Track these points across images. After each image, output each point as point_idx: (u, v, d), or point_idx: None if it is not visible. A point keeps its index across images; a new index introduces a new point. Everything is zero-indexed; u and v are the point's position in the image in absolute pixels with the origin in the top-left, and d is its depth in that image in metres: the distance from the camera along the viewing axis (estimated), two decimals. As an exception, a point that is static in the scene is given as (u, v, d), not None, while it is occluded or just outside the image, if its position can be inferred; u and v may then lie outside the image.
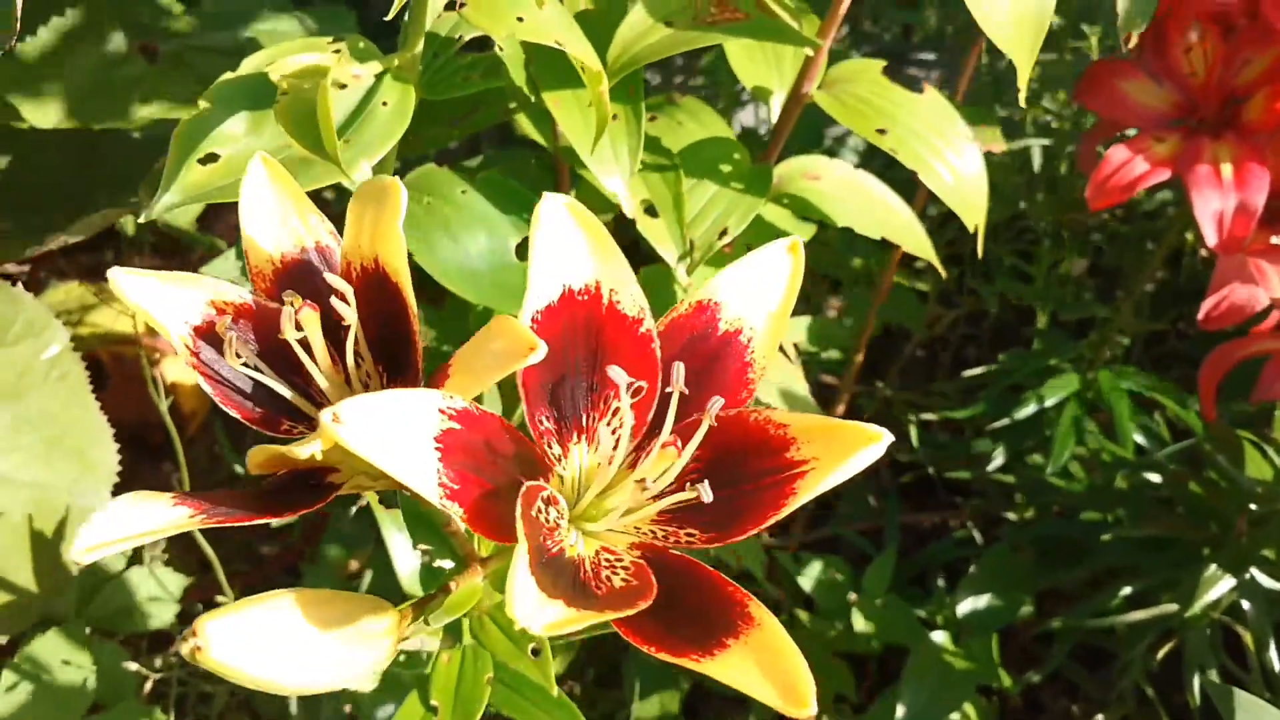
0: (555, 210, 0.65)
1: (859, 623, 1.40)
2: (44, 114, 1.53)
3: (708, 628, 0.57)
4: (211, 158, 0.80)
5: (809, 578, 1.45)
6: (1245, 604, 1.24)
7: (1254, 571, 1.23)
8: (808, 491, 0.59)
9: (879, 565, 1.44)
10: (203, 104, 0.82)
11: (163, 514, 0.59)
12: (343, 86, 0.82)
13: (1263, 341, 1.21)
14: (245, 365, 0.66)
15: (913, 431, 1.66)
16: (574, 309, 0.65)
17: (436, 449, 0.57)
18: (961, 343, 1.88)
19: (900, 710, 1.30)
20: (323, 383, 0.67)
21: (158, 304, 0.66)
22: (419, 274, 0.94)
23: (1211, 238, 1.19)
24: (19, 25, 0.83)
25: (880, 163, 1.59)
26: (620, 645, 1.57)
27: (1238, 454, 1.25)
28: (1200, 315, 1.27)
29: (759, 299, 0.68)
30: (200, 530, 1.44)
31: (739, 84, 1.13)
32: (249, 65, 0.83)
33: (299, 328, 0.66)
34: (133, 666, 1.29)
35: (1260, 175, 1.18)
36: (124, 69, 1.60)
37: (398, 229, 0.64)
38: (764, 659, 0.55)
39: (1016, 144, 1.69)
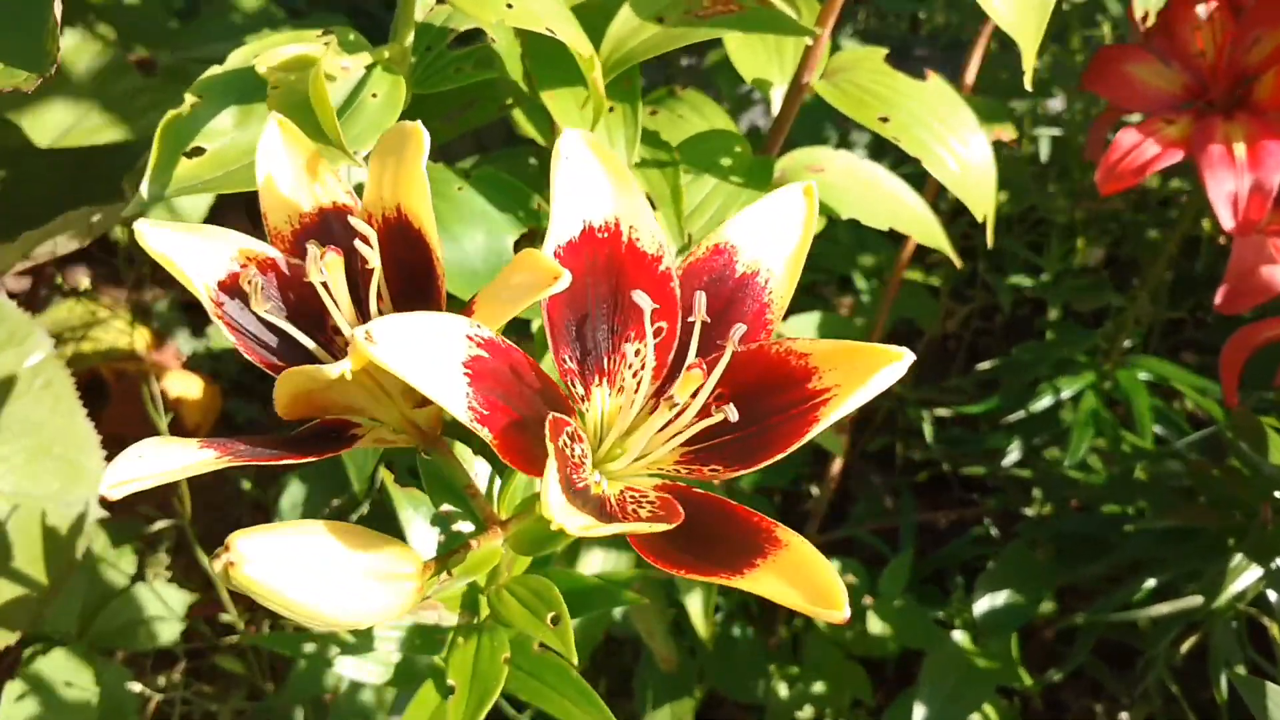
0: (576, 145, 0.64)
1: (875, 625, 1.37)
2: (43, 131, 1.53)
3: (736, 551, 0.58)
4: (197, 151, 0.79)
5: (823, 579, 1.42)
6: (1272, 594, 1.21)
7: (1280, 561, 1.20)
8: (829, 417, 0.59)
9: (895, 566, 1.41)
10: (189, 99, 0.80)
11: (189, 454, 0.59)
12: (331, 79, 0.80)
13: (1283, 325, 1.18)
14: (269, 313, 0.66)
15: (927, 428, 1.64)
16: (595, 246, 0.65)
17: (466, 373, 0.57)
18: (975, 338, 1.85)
19: (918, 712, 1.28)
20: (347, 331, 0.67)
21: (184, 255, 0.66)
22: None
23: (1227, 220, 1.16)
24: (57, 60, 0.82)
25: (893, 159, 1.56)
26: (632, 654, 1.55)
27: (1261, 440, 1.22)
28: (1217, 300, 1.24)
29: (775, 242, 0.68)
30: (203, 551, 1.40)
31: (744, 84, 1.10)
32: (236, 59, 0.82)
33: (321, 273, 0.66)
34: (136, 687, 1.27)
35: (1275, 153, 1.15)
36: (122, 83, 1.59)
37: (421, 173, 0.64)
38: (794, 573, 0.56)
39: (1030, 135, 1.67)
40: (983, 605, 1.38)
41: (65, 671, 1.26)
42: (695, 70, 1.88)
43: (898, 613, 1.38)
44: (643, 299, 0.63)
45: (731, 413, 0.61)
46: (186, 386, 1.66)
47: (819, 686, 1.42)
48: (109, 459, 1.28)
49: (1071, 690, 1.52)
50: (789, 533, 0.58)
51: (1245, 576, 1.21)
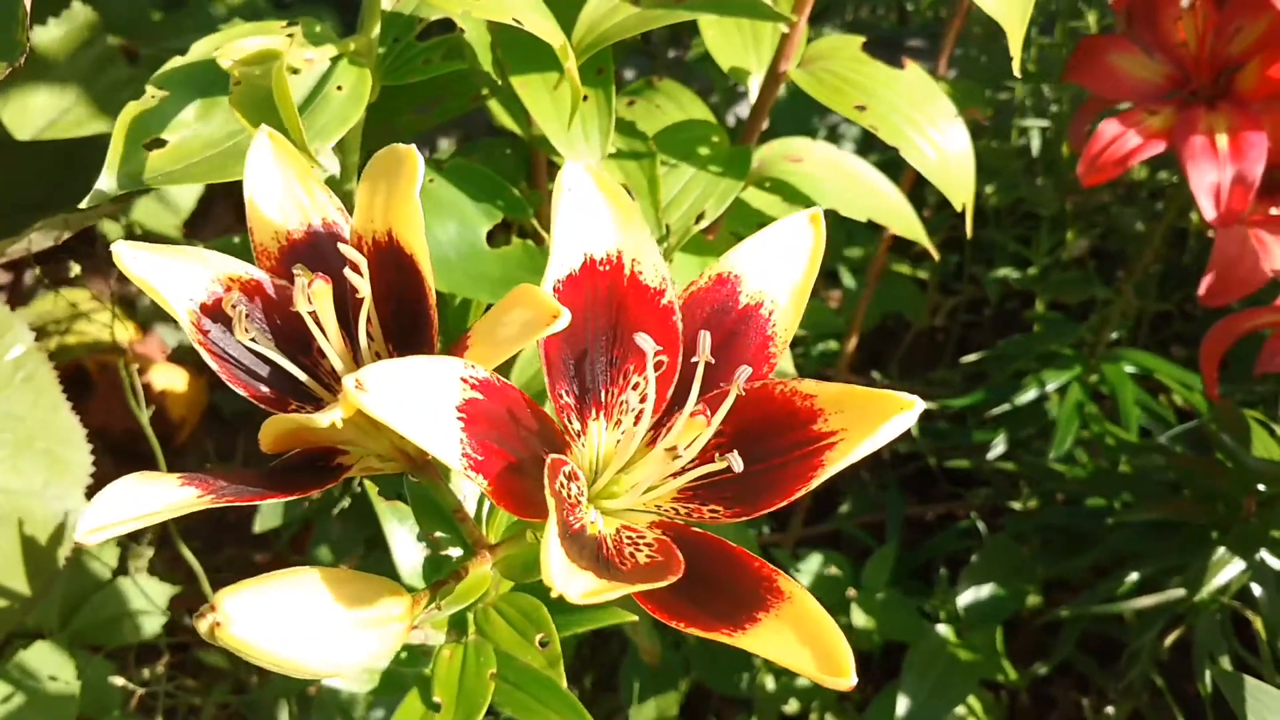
0: (578, 176, 0.63)
1: (859, 618, 1.37)
2: (24, 123, 1.52)
3: (737, 603, 0.56)
4: (159, 143, 0.78)
5: (807, 573, 1.42)
6: (1256, 588, 1.21)
7: (1264, 554, 1.20)
8: (837, 463, 0.58)
9: (879, 558, 1.41)
10: (151, 90, 0.79)
11: (169, 494, 0.58)
12: (295, 71, 0.79)
13: (1266, 315, 1.17)
14: (254, 342, 0.65)
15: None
16: (596, 279, 0.64)
17: (460, 418, 0.56)
18: (963, 331, 1.84)
19: (902, 705, 1.27)
20: (335, 361, 0.66)
21: (163, 279, 0.64)
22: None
23: (1209, 211, 1.15)
24: (26, 50, 0.82)
25: (882, 155, 1.56)
26: (618, 648, 1.55)
27: (1244, 434, 1.22)
28: (1201, 291, 1.23)
29: (780, 272, 0.67)
30: (185, 543, 1.40)
31: (731, 80, 1.10)
32: (198, 51, 0.81)
33: (309, 302, 0.64)
34: (119, 681, 1.26)
35: (1257, 144, 1.15)
36: (108, 74, 1.58)
37: (414, 199, 0.62)
38: (798, 630, 0.54)
39: (1019, 126, 1.66)
40: (967, 598, 1.37)
41: (48, 665, 1.25)
42: (680, 63, 1.87)
43: (881, 605, 1.38)
44: (645, 341, 0.61)
45: (736, 462, 0.59)
46: (171, 379, 1.65)
47: (805, 680, 1.42)
48: (95, 452, 1.28)
49: (1057, 684, 1.51)
50: (791, 583, 0.56)
51: (1228, 569, 1.21)
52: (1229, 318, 1.20)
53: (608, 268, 0.64)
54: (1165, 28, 1.23)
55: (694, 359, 0.62)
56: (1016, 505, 1.54)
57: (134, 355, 1.65)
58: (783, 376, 1.09)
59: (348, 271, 0.63)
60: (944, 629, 1.34)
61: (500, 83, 0.89)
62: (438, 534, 0.71)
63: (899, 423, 0.56)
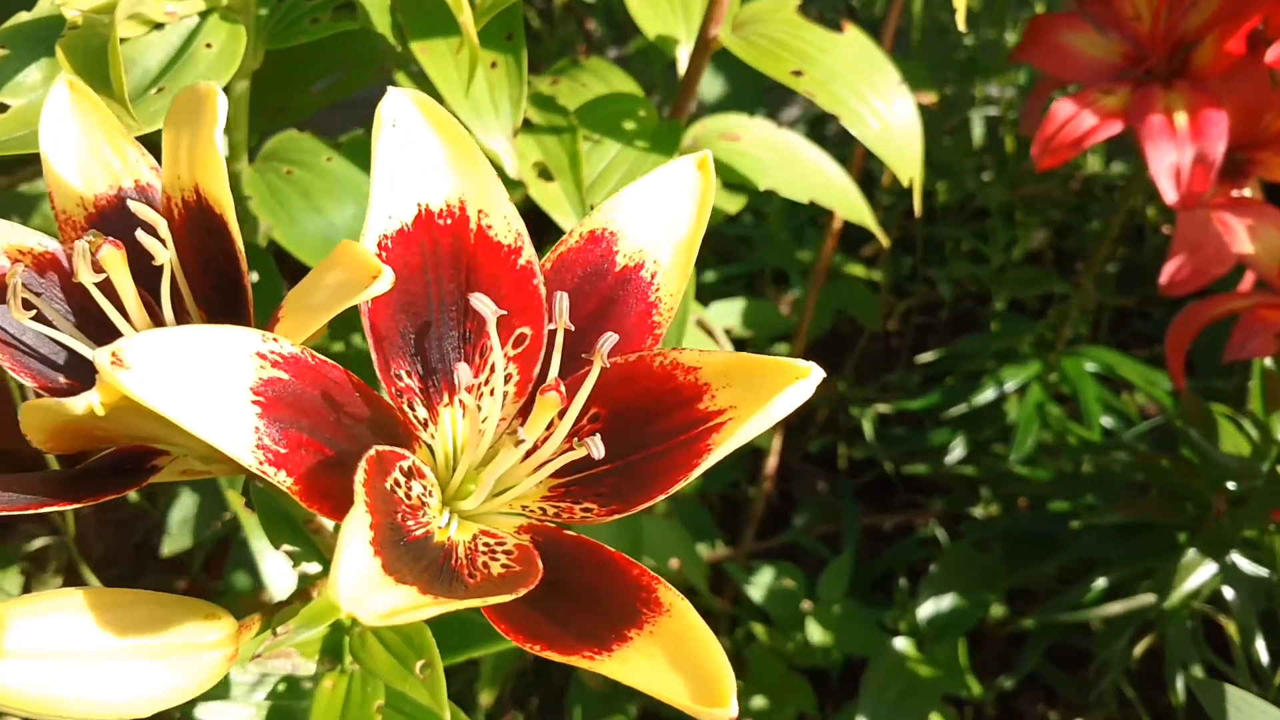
0: (402, 106, 0.53)
1: (815, 633, 1.29)
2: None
3: (606, 618, 0.48)
4: (0, 108, 0.70)
5: (759, 587, 1.34)
6: (1228, 591, 1.14)
7: (1235, 556, 1.14)
8: (724, 445, 0.50)
9: (835, 569, 1.34)
10: (-9, 49, 0.71)
11: None
12: (159, 26, 0.71)
13: (1234, 300, 1.11)
14: (38, 322, 0.55)
15: (868, 426, 1.56)
16: (434, 234, 0.54)
17: (255, 401, 0.47)
18: (918, 334, 1.78)
19: (860, 725, 1.20)
20: None
21: None
22: (283, 252, 0.83)
23: (1169, 193, 1.10)
24: None
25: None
26: (565, 671, 1.46)
27: (1212, 429, 1.16)
28: (1163, 280, 1.17)
29: (664, 227, 0.57)
30: (103, 570, 1.29)
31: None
32: (46, 5, 0.73)
33: (99, 270, 0.55)
34: None
35: (1217, 122, 1.09)
36: None
37: (215, 145, 0.53)
38: (673, 651, 0.46)
39: (965, 116, 1.61)
40: (927, 610, 1.30)
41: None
42: (623, 61, 1.80)
43: (838, 619, 1.30)
44: (483, 304, 0.52)
45: (596, 448, 0.51)
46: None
47: (760, 701, 1.34)
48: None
49: (1024, 697, 1.44)
50: (673, 594, 0.48)
51: (1199, 573, 1.15)
52: (1195, 304, 1.14)
53: (448, 220, 0.54)
54: (1119, 3, 1.18)
55: (551, 326, 0.54)
56: (977, 511, 1.48)
57: None
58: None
59: (142, 235, 0.55)
60: (904, 643, 1.27)
61: (400, 49, 0.81)
62: (286, 547, 0.62)
63: (794, 394, 0.48)
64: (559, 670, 1.47)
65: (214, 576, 1.44)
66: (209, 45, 0.72)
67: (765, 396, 0.48)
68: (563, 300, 0.54)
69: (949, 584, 1.30)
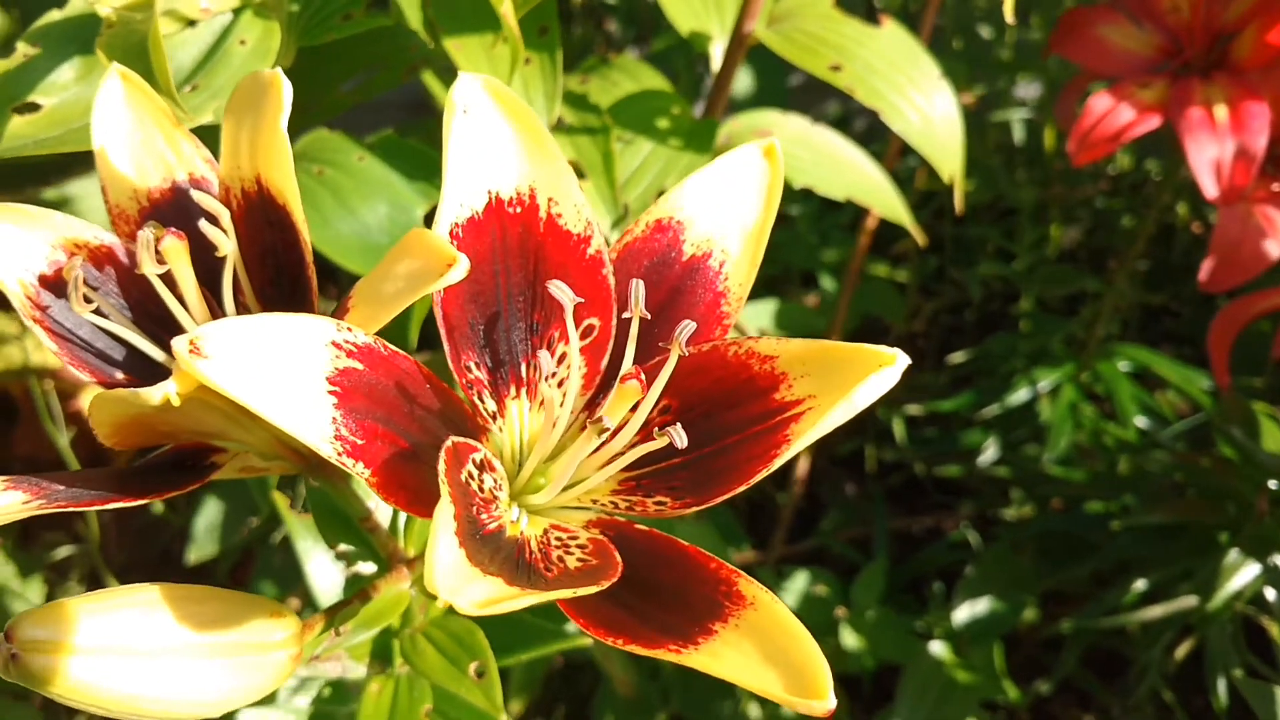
0: (476, 94, 0.52)
1: (849, 639, 1.27)
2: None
3: (688, 612, 0.47)
4: (32, 107, 0.68)
5: (792, 592, 1.32)
6: (1270, 592, 1.12)
7: (1278, 557, 1.11)
8: (805, 436, 0.48)
9: (868, 575, 1.32)
10: (23, 48, 0.70)
11: None
12: (192, 23, 0.70)
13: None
14: (97, 315, 0.54)
15: (898, 428, 1.54)
16: (505, 223, 0.53)
17: (332, 391, 0.46)
18: (945, 335, 1.76)
19: (897, 732, 1.18)
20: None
21: None
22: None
23: (1210, 188, 1.08)
24: None
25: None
26: (591, 678, 1.44)
27: (1253, 427, 1.13)
28: (1202, 276, 1.15)
29: (732, 215, 0.56)
30: (125, 577, 1.29)
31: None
32: (78, 3, 0.72)
33: (162, 262, 0.54)
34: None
35: (1259, 115, 1.07)
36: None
37: (282, 135, 0.52)
38: (763, 644, 0.45)
39: (994, 120, 1.59)
40: (963, 614, 1.28)
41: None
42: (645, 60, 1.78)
43: (872, 625, 1.28)
44: (561, 291, 0.51)
45: (679, 436, 0.49)
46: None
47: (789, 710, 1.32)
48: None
49: (1060, 702, 1.42)
50: (755, 586, 0.47)
51: (1241, 574, 1.12)
52: (1239, 300, 1.12)
53: (518, 209, 0.53)
54: (1155, -5, 1.16)
55: (626, 314, 0.52)
56: (1010, 514, 1.46)
57: (65, 380, 1.54)
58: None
59: (206, 226, 0.53)
60: (939, 648, 1.25)
61: (433, 45, 0.80)
62: (343, 546, 0.61)
63: (878, 382, 0.47)
64: (585, 677, 1.45)
65: (238, 585, 1.43)
66: (243, 42, 0.71)
67: (847, 385, 0.47)
68: (638, 288, 0.52)
69: (985, 587, 1.28)
